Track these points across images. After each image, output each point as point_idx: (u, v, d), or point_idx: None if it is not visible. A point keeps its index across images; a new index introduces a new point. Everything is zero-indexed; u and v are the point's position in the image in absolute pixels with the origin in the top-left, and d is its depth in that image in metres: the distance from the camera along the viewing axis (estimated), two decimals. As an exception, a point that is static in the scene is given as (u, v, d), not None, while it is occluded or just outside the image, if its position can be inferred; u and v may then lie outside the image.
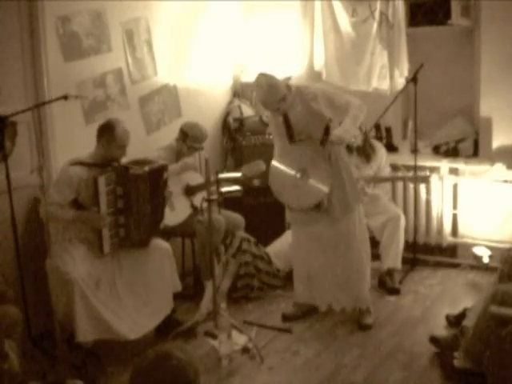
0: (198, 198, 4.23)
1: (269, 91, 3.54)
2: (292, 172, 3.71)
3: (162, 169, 3.72)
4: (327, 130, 3.59)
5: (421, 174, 4.66)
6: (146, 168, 3.60)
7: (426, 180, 4.70)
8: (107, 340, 3.44)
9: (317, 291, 3.95)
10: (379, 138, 5.09)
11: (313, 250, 3.88)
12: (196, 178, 4.43)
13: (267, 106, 3.65)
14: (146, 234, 3.65)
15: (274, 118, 3.80)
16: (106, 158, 3.57)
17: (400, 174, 4.79)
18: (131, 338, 3.48)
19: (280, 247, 4.67)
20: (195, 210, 4.32)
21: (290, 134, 3.64)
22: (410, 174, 4.68)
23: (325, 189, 3.64)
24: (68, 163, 3.53)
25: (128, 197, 3.55)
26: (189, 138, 4.35)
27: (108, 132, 3.54)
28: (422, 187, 4.85)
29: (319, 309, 4.01)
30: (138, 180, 3.56)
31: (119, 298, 3.52)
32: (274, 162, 3.81)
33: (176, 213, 4.21)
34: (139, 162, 3.67)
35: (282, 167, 3.76)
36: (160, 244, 3.77)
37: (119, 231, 3.56)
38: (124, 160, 3.67)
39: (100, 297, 3.41)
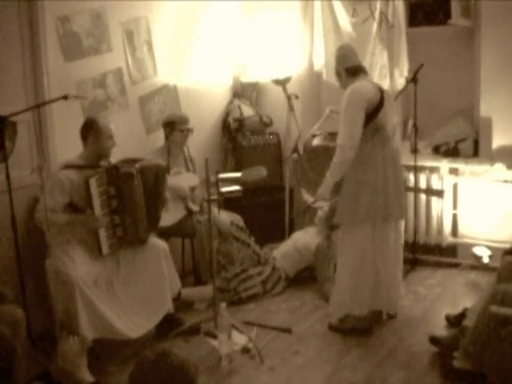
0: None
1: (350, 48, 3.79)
2: None
3: (156, 167, 3.72)
4: None
5: (435, 188, 4.69)
6: (137, 165, 3.61)
7: (440, 195, 4.71)
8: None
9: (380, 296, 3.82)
10: (379, 138, 5.08)
11: (384, 252, 3.75)
12: (193, 180, 4.42)
13: (342, 61, 3.69)
14: (142, 231, 3.65)
15: None
16: (98, 154, 3.58)
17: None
18: (131, 336, 3.49)
19: (288, 250, 4.65)
20: (189, 212, 4.32)
21: None
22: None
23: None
24: (58, 168, 3.53)
25: (121, 196, 3.55)
26: (175, 123, 4.36)
27: (93, 127, 3.57)
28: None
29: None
30: (130, 178, 3.55)
31: (116, 296, 3.52)
32: None
33: (169, 214, 4.19)
34: (129, 161, 3.67)
35: None
36: (157, 243, 3.76)
37: (116, 231, 3.56)
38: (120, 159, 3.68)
39: (99, 295, 3.41)
